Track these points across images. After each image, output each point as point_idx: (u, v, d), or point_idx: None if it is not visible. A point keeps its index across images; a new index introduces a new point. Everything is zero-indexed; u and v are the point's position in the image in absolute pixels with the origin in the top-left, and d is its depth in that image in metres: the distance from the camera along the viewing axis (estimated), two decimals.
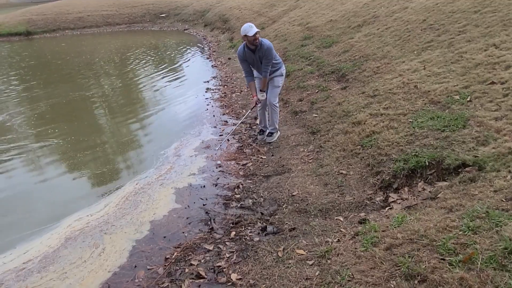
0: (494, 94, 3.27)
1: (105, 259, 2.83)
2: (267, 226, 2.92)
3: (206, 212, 3.33)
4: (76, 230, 3.22)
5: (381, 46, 5.60)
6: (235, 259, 2.61)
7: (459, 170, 2.66)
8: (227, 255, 2.67)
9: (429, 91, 3.81)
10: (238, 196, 3.52)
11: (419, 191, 2.76)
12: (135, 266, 2.72)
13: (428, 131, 3.21)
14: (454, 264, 1.78)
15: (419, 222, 2.22)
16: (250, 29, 3.92)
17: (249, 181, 3.77)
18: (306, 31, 8.32)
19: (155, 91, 7.86)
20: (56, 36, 17.38)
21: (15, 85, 8.87)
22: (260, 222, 3.03)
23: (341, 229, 2.62)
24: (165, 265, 2.67)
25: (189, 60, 10.86)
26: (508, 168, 2.39)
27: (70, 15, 19.17)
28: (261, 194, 3.47)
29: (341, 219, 2.80)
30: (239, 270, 2.48)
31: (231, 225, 3.07)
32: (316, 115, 4.80)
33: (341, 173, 3.44)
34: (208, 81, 8.04)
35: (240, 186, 3.70)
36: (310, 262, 2.32)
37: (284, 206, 3.19)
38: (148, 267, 2.69)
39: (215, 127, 5.39)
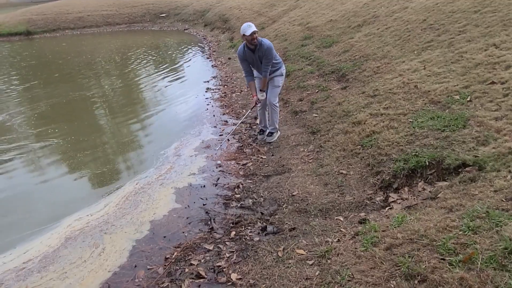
0: (494, 94, 3.27)
1: (105, 259, 2.83)
2: (267, 226, 2.92)
3: (206, 212, 3.33)
4: (76, 230, 3.22)
5: (381, 46, 5.60)
6: (235, 259, 2.61)
7: (459, 170, 2.66)
8: (227, 255, 2.67)
9: (429, 91, 3.81)
10: (238, 196, 3.52)
11: (419, 191, 2.76)
12: (135, 266, 2.72)
13: (428, 131, 3.21)
14: (454, 264, 1.78)
15: (419, 222, 2.22)
16: (248, 28, 3.92)
17: (249, 181, 3.77)
18: (306, 31, 8.32)
19: (155, 91, 7.86)
20: (56, 36, 17.38)
21: (15, 85, 8.88)
22: (260, 222, 3.03)
23: (341, 229, 2.62)
24: (165, 265, 2.67)
25: (189, 60, 10.86)
26: (508, 168, 2.39)
27: (70, 15, 19.17)
28: (261, 194, 3.47)
29: (341, 219, 2.80)
30: (239, 270, 2.48)
31: (231, 225, 3.07)
32: (316, 115, 4.80)
33: (341, 173, 3.44)
34: (208, 81, 8.04)
35: (240, 186, 3.70)
36: (310, 262, 2.32)
37: (284, 206, 3.19)
38: (148, 267, 2.69)
39: (215, 127, 5.39)
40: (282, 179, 3.63)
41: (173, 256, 2.74)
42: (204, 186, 3.80)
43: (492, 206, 2.07)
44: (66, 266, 2.77)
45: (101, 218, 3.36)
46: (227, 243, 2.83)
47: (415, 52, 4.88)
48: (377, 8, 7.27)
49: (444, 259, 1.83)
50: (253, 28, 3.93)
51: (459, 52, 4.26)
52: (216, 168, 4.15)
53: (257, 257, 2.57)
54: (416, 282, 1.80)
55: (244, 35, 3.96)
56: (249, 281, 2.33)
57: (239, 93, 6.88)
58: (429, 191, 2.68)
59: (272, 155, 4.27)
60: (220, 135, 5.08)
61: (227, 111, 5.99)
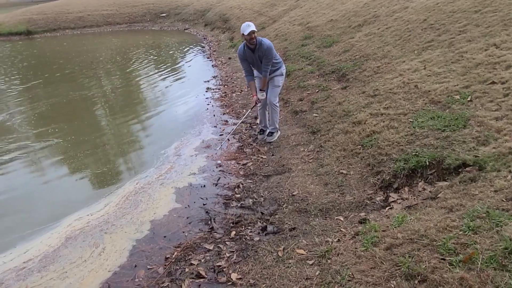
0: (495, 94, 3.26)
1: (105, 258, 2.83)
2: (267, 225, 2.92)
3: (206, 212, 3.33)
4: (76, 229, 3.22)
5: (381, 46, 5.60)
6: (235, 259, 2.61)
7: (460, 170, 2.66)
8: (227, 255, 2.67)
9: (429, 91, 3.81)
10: (238, 195, 3.52)
11: (420, 191, 2.76)
12: (135, 266, 2.72)
13: (429, 131, 3.21)
14: (454, 264, 1.78)
15: (419, 222, 2.22)
16: (247, 28, 3.93)
17: (250, 181, 3.77)
18: (307, 30, 8.32)
19: (156, 91, 7.86)
20: (56, 36, 17.39)
21: (16, 84, 8.89)
22: (260, 222, 3.03)
23: (341, 229, 2.62)
24: (165, 265, 2.67)
25: (190, 60, 10.86)
26: (508, 168, 2.39)
27: (70, 14, 19.18)
28: (262, 194, 3.47)
29: (341, 219, 2.80)
30: (239, 270, 2.48)
31: (231, 224, 3.07)
32: (316, 114, 4.80)
33: (342, 172, 3.44)
34: (208, 81, 8.04)
35: (240, 185, 3.70)
36: (310, 262, 2.32)
37: (284, 206, 3.19)
38: (148, 266, 2.69)
39: (216, 126, 5.39)
40: (282, 179, 3.63)
41: (173, 255, 2.74)
42: (204, 185, 3.80)
43: (493, 206, 2.07)
44: (66, 266, 2.77)
45: (101, 218, 3.36)
46: (227, 243, 2.83)
47: (416, 52, 4.88)
48: (378, 8, 7.26)
49: (444, 259, 1.83)
50: (252, 28, 3.93)
51: (460, 52, 4.26)
52: (216, 168, 4.15)
53: (257, 257, 2.57)
54: (416, 282, 1.80)
55: (243, 34, 3.97)
56: (249, 281, 2.33)
57: (239, 93, 6.88)
58: (429, 191, 2.67)
59: (272, 155, 4.27)
60: (221, 135, 5.08)
61: (227, 110, 5.99)
